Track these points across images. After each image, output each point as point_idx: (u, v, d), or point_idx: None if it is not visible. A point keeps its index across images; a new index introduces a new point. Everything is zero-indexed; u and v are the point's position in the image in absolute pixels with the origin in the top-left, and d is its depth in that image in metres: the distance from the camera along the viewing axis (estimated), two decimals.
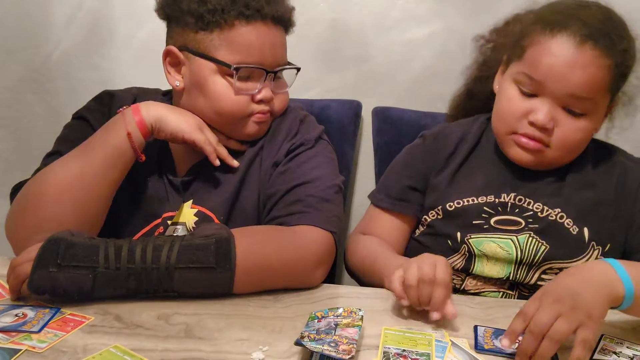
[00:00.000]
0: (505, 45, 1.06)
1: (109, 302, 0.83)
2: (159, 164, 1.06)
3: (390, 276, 0.85)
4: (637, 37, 0.97)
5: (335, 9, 1.43)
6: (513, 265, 1.01)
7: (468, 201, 1.04)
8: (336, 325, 0.75)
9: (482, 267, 1.02)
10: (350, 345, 0.69)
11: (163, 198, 1.04)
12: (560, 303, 0.71)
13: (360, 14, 1.42)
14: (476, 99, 1.16)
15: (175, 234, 1.01)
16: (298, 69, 1.08)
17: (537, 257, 0.99)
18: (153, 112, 0.96)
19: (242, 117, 1.01)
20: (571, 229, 1.00)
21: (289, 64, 1.06)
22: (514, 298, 1.02)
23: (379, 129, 1.41)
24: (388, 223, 1.12)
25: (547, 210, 1.01)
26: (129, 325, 0.79)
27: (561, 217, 1.00)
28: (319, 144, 1.06)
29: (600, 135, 1.06)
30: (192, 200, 1.04)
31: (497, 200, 1.03)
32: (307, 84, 1.44)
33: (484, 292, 1.03)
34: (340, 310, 0.79)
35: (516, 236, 1.01)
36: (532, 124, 0.97)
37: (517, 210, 1.02)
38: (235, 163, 1.02)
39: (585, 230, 0.99)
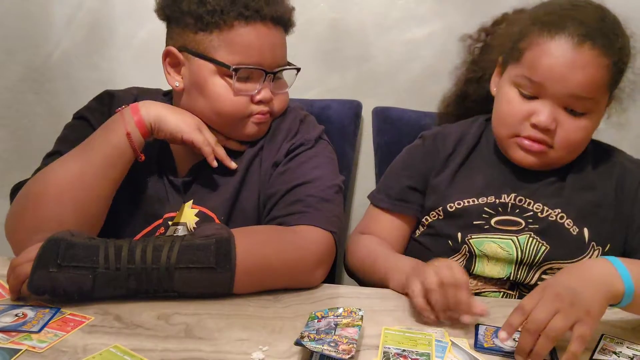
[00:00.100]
0: (499, 46, 1.05)
1: (109, 302, 0.83)
2: (159, 164, 1.06)
3: (407, 290, 0.84)
4: (631, 34, 0.98)
5: (336, 9, 1.43)
6: (513, 266, 1.01)
7: (468, 202, 1.04)
8: (336, 325, 0.75)
9: (483, 268, 1.02)
10: (350, 345, 0.69)
11: (163, 198, 1.04)
12: (558, 299, 0.72)
13: (361, 13, 1.42)
14: (471, 100, 1.16)
15: (176, 234, 1.01)
16: (298, 70, 1.07)
17: (537, 258, 0.99)
18: (152, 111, 0.96)
19: (241, 118, 1.01)
20: (571, 230, 1.00)
21: (289, 64, 1.06)
22: (515, 298, 1.02)
23: (379, 129, 1.40)
24: (388, 223, 1.12)
25: (547, 211, 1.01)
26: (129, 325, 0.79)
27: (561, 218, 1.00)
28: (319, 144, 1.06)
29: (599, 134, 1.07)
30: (192, 201, 1.04)
31: (497, 200, 1.03)
32: (307, 84, 1.44)
33: (484, 292, 1.03)
34: (340, 310, 0.79)
35: (516, 236, 1.01)
36: (534, 126, 0.97)
37: (518, 210, 1.02)
38: (233, 165, 1.02)
39: (585, 230, 0.99)
